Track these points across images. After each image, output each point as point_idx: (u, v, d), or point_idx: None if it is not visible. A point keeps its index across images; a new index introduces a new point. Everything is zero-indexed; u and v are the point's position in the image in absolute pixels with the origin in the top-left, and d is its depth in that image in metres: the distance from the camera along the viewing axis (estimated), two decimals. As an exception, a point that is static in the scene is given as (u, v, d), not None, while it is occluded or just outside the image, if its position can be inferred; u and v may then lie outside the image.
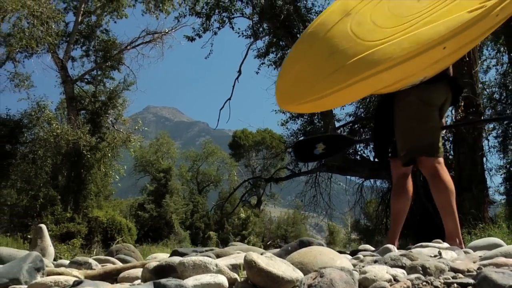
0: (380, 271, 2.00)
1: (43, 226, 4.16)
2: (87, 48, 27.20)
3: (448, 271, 2.11)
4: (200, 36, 18.59)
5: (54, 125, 23.10)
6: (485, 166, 14.86)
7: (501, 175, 16.42)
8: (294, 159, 20.13)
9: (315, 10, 17.48)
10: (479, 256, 3.05)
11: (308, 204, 20.12)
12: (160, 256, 3.63)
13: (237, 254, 2.59)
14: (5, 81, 24.36)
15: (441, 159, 4.69)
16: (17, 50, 22.74)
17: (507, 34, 16.98)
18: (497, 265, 2.19)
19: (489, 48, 20.90)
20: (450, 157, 15.58)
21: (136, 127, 26.63)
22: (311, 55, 4.28)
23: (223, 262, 2.28)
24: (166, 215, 36.88)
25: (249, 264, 1.93)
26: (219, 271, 2.05)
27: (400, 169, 4.96)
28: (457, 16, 3.98)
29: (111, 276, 2.78)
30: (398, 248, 4.56)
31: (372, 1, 4.40)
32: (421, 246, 3.90)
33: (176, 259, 2.26)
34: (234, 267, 2.25)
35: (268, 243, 41.68)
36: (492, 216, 15.00)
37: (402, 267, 2.17)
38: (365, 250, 4.52)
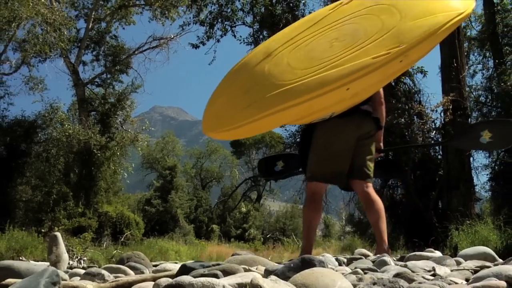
0: (379, 296, 1.99)
1: (58, 234, 4.15)
2: (97, 53, 27.26)
3: (444, 294, 2.09)
4: (204, 44, 18.64)
5: (66, 125, 23.20)
6: (471, 165, 14.89)
7: (487, 175, 16.45)
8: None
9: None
10: (470, 271, 3.04)
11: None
12: (168, 266, 3.62)
13: (243, 273, 2.57)
14: (20, 85, 24.48)
15: (315, 185, 4.95)
16: (31, 55, 22.82)
17: (492, 41, 17.02)
18: (489, 288, 2.18)
19: (475, 54, 20.96)
20: (439, 157, 15.61)
21: (144, 127, 26.71)
22: (233, 90, 4.76)
23: (230, 281, 2.26)
24: (172, 210, 36.85)
25: (255, 288, 1.93)
26: (227, 292, 2.04)
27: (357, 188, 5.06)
28: (361, 61, 4.14)
29: (123, 289, 2.78)
30: (389, 245, 4.63)
31: (291, 44, 4.72)
32: (415, 257, 3.90)
33: (186, 278, 2.24)
34: (241, 286, 2.24)
35: (267, 236, 41.72)
36: (478, 212, 15.03)
37: (400, 290, 2.15)
38: (361, 256, 4.52)
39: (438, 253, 4.11)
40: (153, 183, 42.61)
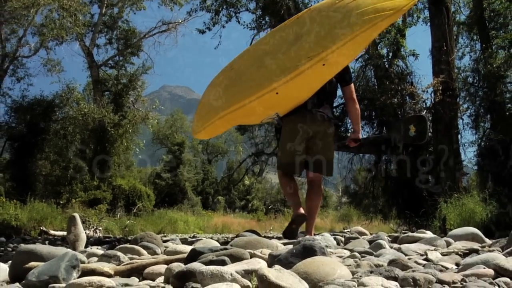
0: (376, 286, 1.98)
1: (77, 215, 4.16)
2: (110, 36, 27.32)
3: (436, 282, 2.09)
4: (210, 29, 18.51)
5: (82, 105, 23.35)
6: (460, 142, 14.88)
7: (474, 151, 16.47)
8: None
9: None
10: (460, 253, 3.05)
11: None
12: (179, 248, 3.62)
13: (249, 259, 2.58)
14: (39, 66, 24.57)
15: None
16: (49, 39, 22.86)
17: (479, 25, 16.94)
18: (478, 276, 2.18)
19: (464, 37, 20.86)
20: (430, 134, 15.60)
21: (154, 106, 26.75)
22: (205, 100, 5.51)
23: (237, 268, 2.27)
24: (180, 183, 36.94)
25: (261, 278, 1.93)
26: (234, 280, 2.04)
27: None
28: (285, 68, 4.54)
29: (138, 271, 2.78)
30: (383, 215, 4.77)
31: (248, 57, 5.22)
32: (408, 238, 3.90)
33: (196, 266, 2.26)
34: (247, 273, 2.24)
35: (269, 207, 41.84)
36: (465, 186, 15.06)
37: (395, 278, 2.15)
38: (358, 235, 4.54)
39: (429, 233, 4.11)
40: (163, 158, 42.71)
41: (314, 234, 5.12)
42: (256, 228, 26.90)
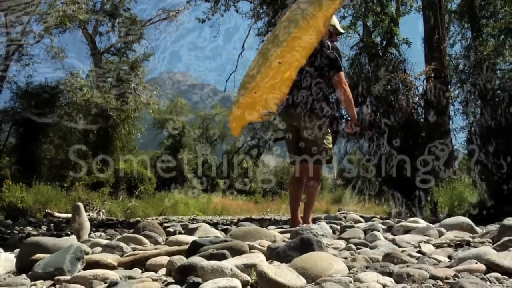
0: (372, 282, 1.99)
1: (80, 204, 4.14)
2: (112, 24, 27.09)
3: (429, 278, 2.09)
4: (209, 19, 18.45)
5: (85, 90, 23.20)
6: (451, 127, 14.92)
7: (464, 137, 16.55)
8: None
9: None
10: (452, 244, 3.05)
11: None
12: (180, 238, 3.59)
13: (248, 254, 2.57)
14: (43, 54, 24.38)
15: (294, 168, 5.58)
16: (53, 27, 22.63)
17: (470, 14, 16.92)
18: (470, 271, 2.17)
19: (455, 25, 20.82)
20: (422, 120, 15.61)
21: (155, 92, 26.74)
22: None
23: (237, 262, 2.26)
24: (181, 166, 36.95)
25: (260, 274, 1.93)
26: (234, 275, 2.04)
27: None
28: (251, 71, 5.02)
29: (140, 262, 2.78)
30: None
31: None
32: (402, 228, 3.90)
33: (197, 260, 2.26)
34: (247, 267, 2.24)
35: (267, 189, 41.82)
36: (456, 169, 15.10)
37: (390, 274, 2.15)
38: (353, 223, 4.55)
39: (422, 222, 4.12)
40: (163, 142, 42.68)
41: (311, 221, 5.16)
42: (254, 210, 26.98)
